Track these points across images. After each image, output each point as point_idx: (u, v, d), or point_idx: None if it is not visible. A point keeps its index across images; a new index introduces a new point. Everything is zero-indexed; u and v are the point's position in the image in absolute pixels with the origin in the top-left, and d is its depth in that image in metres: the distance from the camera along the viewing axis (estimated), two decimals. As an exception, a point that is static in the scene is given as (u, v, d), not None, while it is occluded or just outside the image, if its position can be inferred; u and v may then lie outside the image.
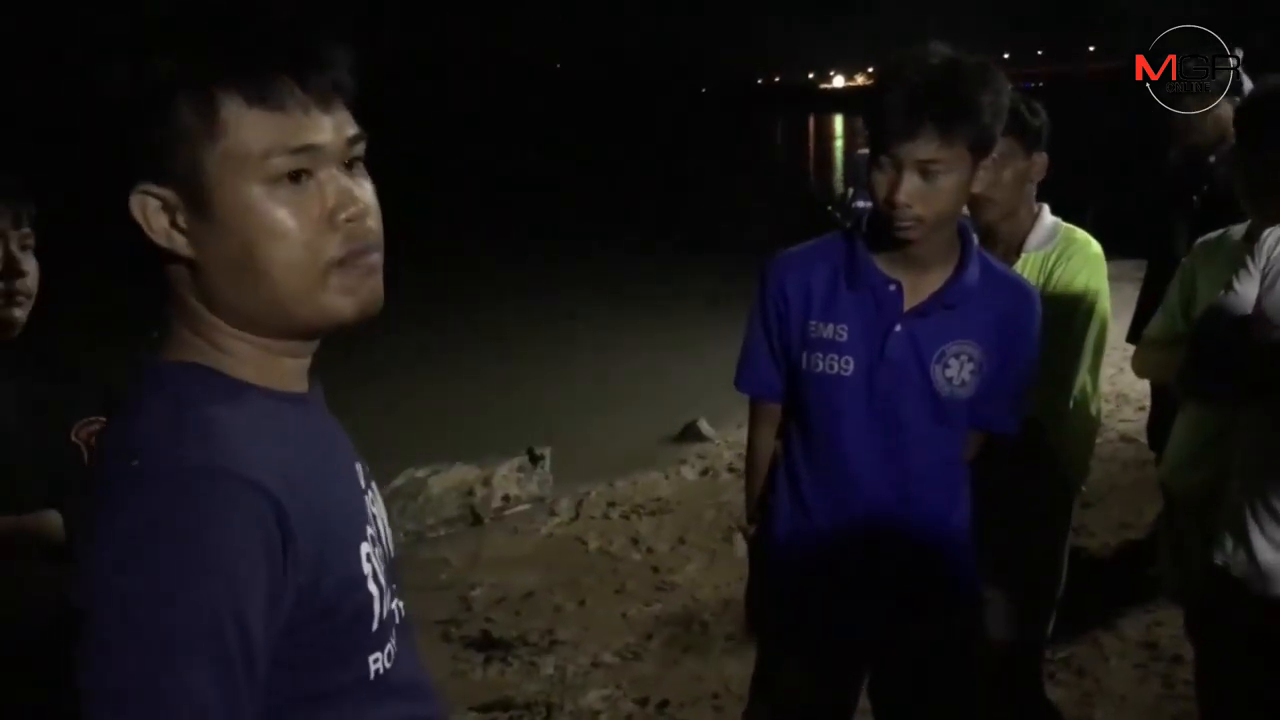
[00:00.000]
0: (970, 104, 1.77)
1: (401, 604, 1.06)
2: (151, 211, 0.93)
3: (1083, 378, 2.42)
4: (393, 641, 1.02)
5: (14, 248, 1.80)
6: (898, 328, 1.90)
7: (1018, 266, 2.37)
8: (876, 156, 1.81)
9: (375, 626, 0.99)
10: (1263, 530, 1.95)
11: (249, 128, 0.91)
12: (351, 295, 0.96)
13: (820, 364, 1.93)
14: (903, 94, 1.76)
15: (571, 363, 7.89)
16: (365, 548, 0.99)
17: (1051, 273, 2.37)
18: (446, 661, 3.86)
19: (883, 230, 1.87)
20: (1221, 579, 2.00)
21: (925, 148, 1.76)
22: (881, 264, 1.92)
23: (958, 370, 1.92)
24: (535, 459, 5.67)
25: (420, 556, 5.00)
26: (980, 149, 1.81)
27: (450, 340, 9.16)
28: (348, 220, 0.95)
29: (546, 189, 20.05)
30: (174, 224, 0.93)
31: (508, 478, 5.54)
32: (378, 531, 1.04)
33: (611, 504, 5.19)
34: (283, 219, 0.92)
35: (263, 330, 0.97)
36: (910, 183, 1.77)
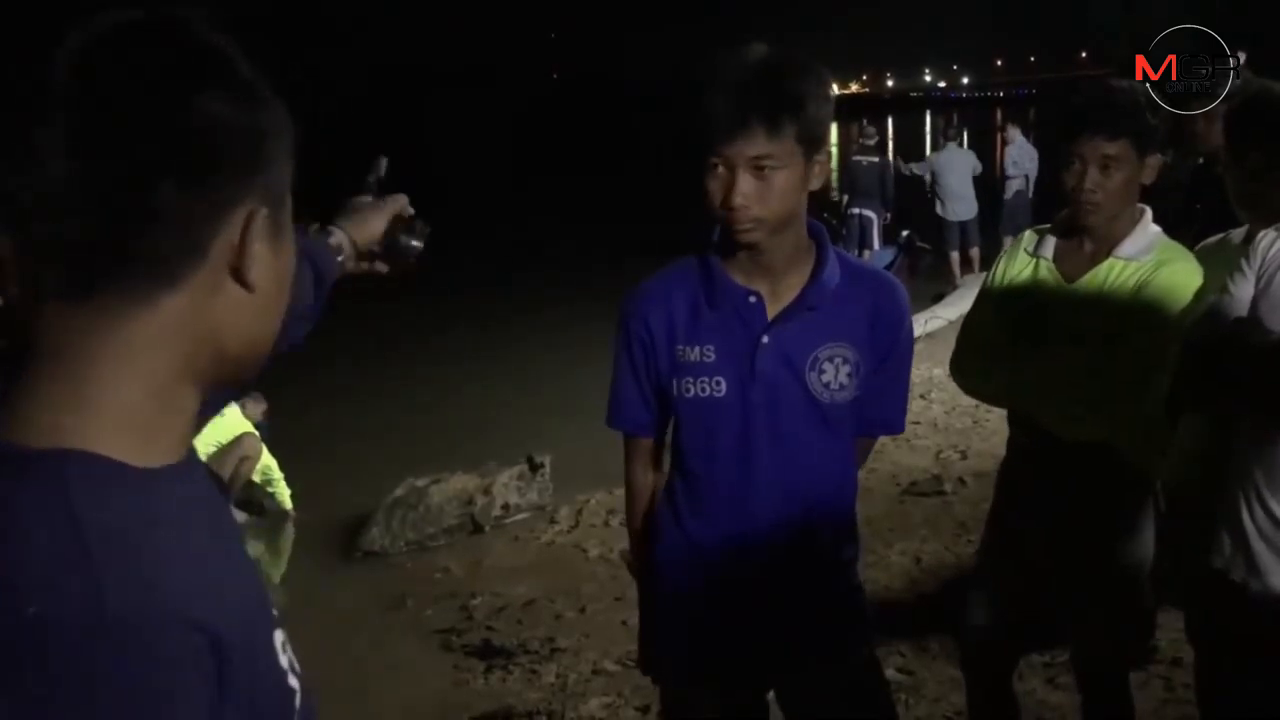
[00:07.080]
0: (794, 96, 1.73)
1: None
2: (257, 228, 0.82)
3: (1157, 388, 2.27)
4: None
5: None
6: (765, 339, 1.84)
7: (1101, 270, 2.27)
8: (707, 160, 1.76)
9: None
10: (1260, 533, 1.95)
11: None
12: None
13: (692, 388, 1.88)
14: (724, 93, 1.72)
15: (570, 371, 7.88)
16: (279, 636, 0.84)
17: (1138, 285, 2.24)
18: (448, 670, 3.87)
19: (731, 239, 1.82)
20: (1220, 582, 2.01)
21: (754, 145, 1.72)
22: (738, 277, 1.86)
23: (834, 374, 1.85)
24: (535, 467, 5.67)
25: (421, 566, 5.01)
26: (811, 142, 1.76)
27: (450, 352, 9.18)
28: None
29: (544, 203, 20.05)
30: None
31: (508, 486, 5.54)
32: (266, 595, 0.88)
33: (611, 511, 5.18)
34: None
35: (238, 372, 0.86)
36: (745, 183, 1.73)
